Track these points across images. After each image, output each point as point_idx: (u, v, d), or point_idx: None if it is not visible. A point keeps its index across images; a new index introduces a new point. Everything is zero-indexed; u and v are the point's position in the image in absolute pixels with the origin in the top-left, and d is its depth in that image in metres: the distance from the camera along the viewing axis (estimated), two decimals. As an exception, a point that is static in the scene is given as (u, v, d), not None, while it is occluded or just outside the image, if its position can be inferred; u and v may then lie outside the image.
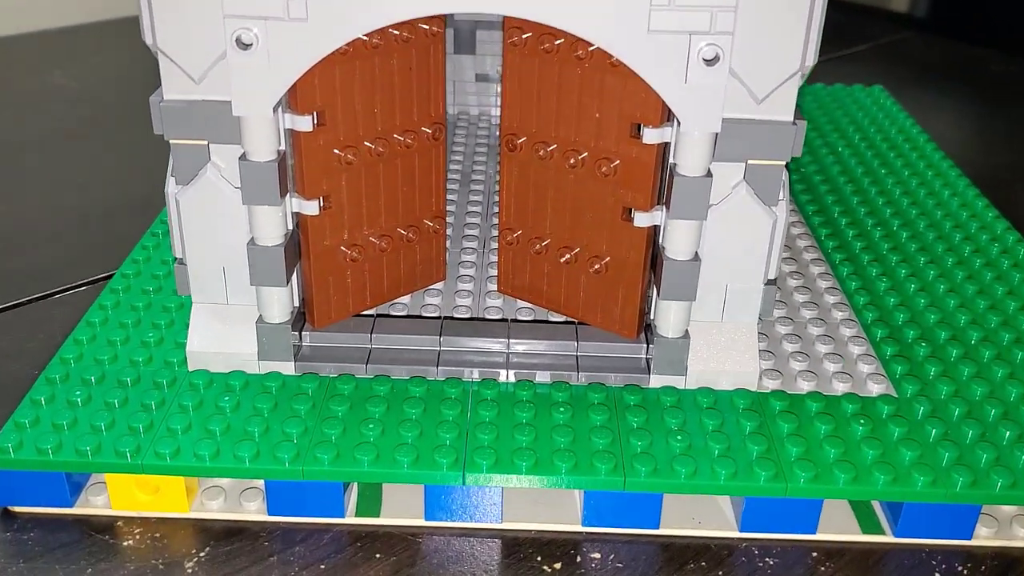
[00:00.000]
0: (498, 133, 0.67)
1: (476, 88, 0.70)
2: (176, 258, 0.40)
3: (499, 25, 0.68)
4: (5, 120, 0.78)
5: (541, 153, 0.41)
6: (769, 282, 0.40)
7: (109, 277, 0.53)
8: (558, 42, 0.38)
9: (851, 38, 1.04)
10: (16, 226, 0.60)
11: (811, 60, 0.35)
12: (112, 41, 0.96)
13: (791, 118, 0.36)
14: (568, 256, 0.42)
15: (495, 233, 0.52)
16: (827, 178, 0.61)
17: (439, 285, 0.46)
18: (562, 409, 0.38)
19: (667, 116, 0.37)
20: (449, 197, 0.57)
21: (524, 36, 0.39)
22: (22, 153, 0.71)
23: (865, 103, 0.75)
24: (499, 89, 0.70)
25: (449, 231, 0.52)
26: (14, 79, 0.87)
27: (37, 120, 0.77)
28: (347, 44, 0.37)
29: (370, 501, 0.38)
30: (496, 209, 0.56)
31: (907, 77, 0.94)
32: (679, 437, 0.37)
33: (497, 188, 0.59)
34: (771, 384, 0.41)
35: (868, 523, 0.38)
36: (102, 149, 0.72)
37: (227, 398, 0.39)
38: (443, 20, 0.40)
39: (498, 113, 0.70)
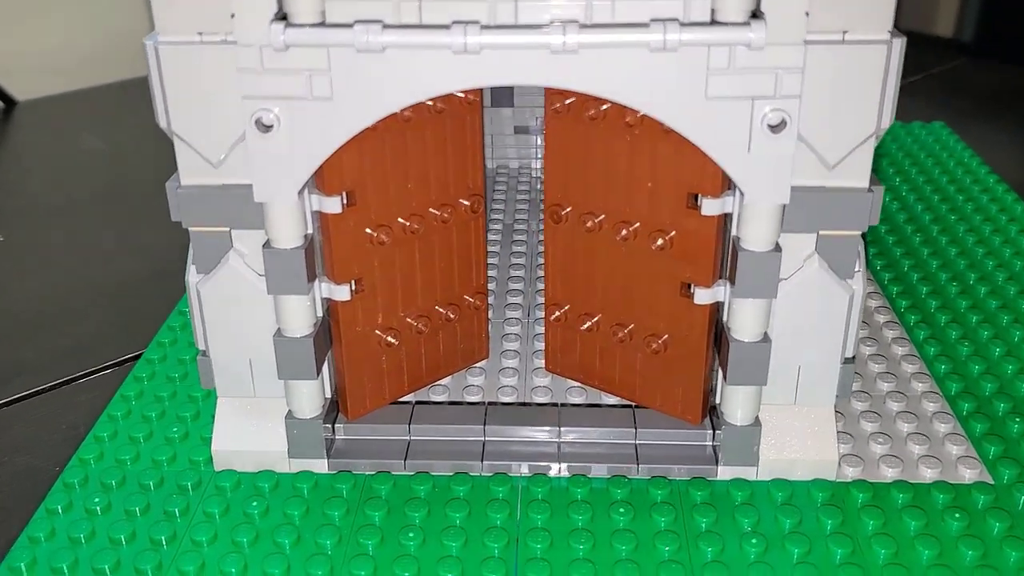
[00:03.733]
0: (538, 186, 0.65)
1: (515, 141, 0.67)
2: (199, 350, 0.37)
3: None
4: (36, 186, 0.76)
5: (588, 224, 0.37)
6: (847, 361, 0.36)
7: (136, 358, 0.51)
8: (604, 107, 0.35)
9: (903, 68, 0.99)
10: (42, 303, 0.58)
11: (887, 121, 0.32)
12: (143, 99, 0.94)
13: (867, 184, 0.33)
14: (622, 334, 0.38)
15: (540, 300, 0.49)
16: (893, 227, 0.57)
17: (482, 363, 0.43)
18: (622, 510, 0.35)
19: (728, 184, 0.33)
20: (491, 248, 0.54)
21: (567, 102, 0.36)
22: (49, 221, 0.69)
23: (927, 142, 0.71)
24: (539, 141, 0.67)
25: (491, 298, 0.49)
26: (45, 143, 0.85)
27: (66, 185, 0.75)
28: (376, 118, 0.34)
29: (413, 618, 0.35)
30: (539, 262, 0.52)
31: (965, 107, 0.90)
32: (753, 540, 0.33)
33: (539, 239, 0.56)
34: (851, 472, 0.37)
35: (969, 632, 0.34)
36: (131, 215, 0.69)
37: (255, 503, 0.36)
38: (479, 88, 0.37)
39: (538, 166, 0.67)
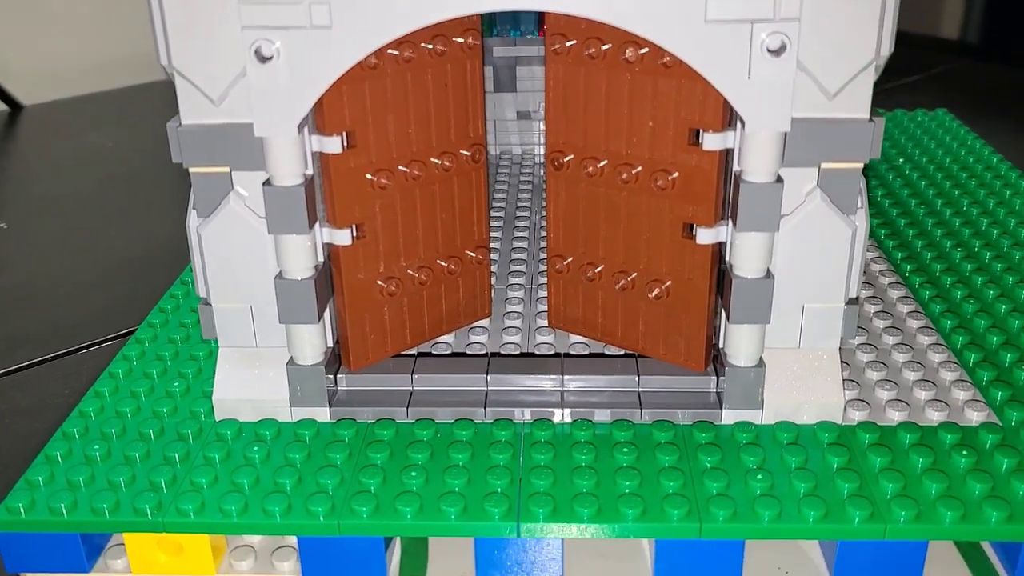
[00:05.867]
0: (541, 172, 0.65)
1: (518, 127, 0.67)
2: (201, 299, 0.37)
3: (539, 61, 0.65)
4: (40, 179, 0.77)
5: (590, 170, 0.37)
6: (851, 301, 0.36)
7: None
8: (605, 47, 0.35)
9: (903, 68, 1.00)
10: (45, 283, 0.58)
11: (887, 49, 0.32)
12: (148, 103, 0.95)
13: (867, 115, 0.33)
14: (624, 282, 0.38)
15: (542, 269, 0.49)
16: (897, 201, 0.57)
17: (484, 322, 0.43)
18: (625, 450, 0.34)
19: (728, 120, 0.33)
20: (494, 234, 0.54)
21: (567, 44, 0.36)
22: (56, 212, 0.69)
23: (929, 127, 0.71)
24: (542, 127, 0.67)
25: (495, 268, 0.49)
26: (50, 142, 0.86)
27: (71, 178, 0.76)
28: (377, 58, 0.34)
29: (415, 558, 0.34)
30: (542, 246, 0.52)
31: (966, 104, 0.90)
32: (759, 476, 0.33)
33: (542, 226, 0.56)
34: (857, 415, 0.36)
35: (980, 569, 0.33)
36: (135, 205, 0.70)
37: (256, 449, 0.35)
38: (479, 32, 0.37)
39: (542, 151, 0.67)
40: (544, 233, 0.54)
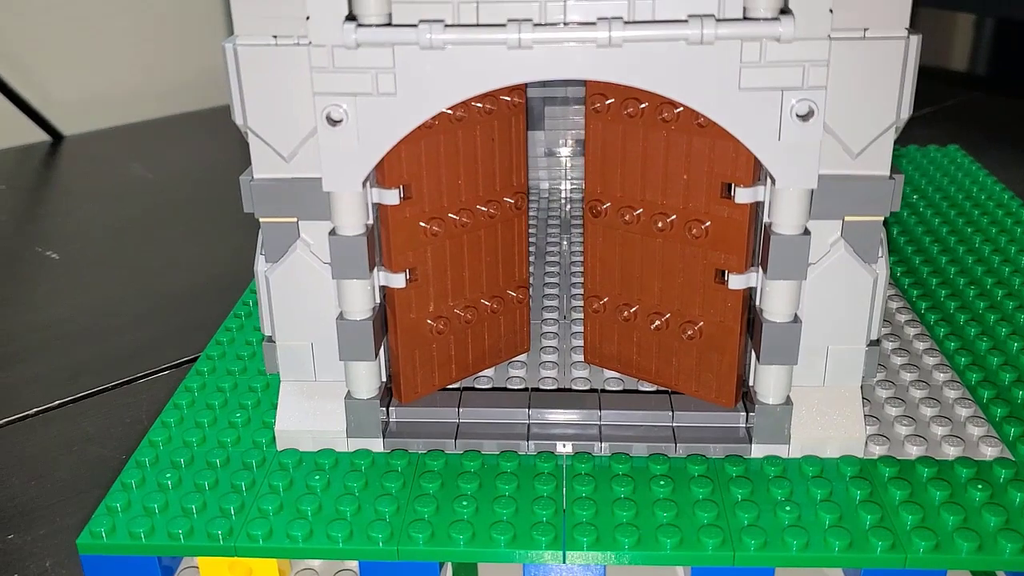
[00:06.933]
0: (568, 207, 0.68)
1: (547, 163, 0.70)
2: (264, 336, 0.40)
3: (568, 100, 0.68)
4: (86, 211, 0.79)
5: (627, 218, 0.40)
6: (872, 343, 0.38)
7: (192, 360, 0.54)
8: (642, 106, 0.38)
9: (916, 101, 1.02)
10: (99, 313, 0.61)
11: (906, 112, 0.35)
12: (189, 133, 0.98)
13: (888, 172, 0.35)
14: (659, 322, 0.41)
15: (575, 304, 0.52)
16: (912, 239, 0.60)
17: (523, 357, 0.46)
18: (662, 482, 0.37)
19: (759, 175, 0.36)
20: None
21: (607, 102, 0.39)
22: (103, 242, 0.72)
23: (942, 163, 0.73)
24: (569, 164, 0.70)
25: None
26: (94, 172, 0.89)
27: (117, 210, 0.79)
28: (432, 118, 0.37)
29: (466, 581, 0.37)
30: (573, 281, 0.55)
31: (979, 138, 0.92)
32: (787, 508, 0.35)
33: (572, 261, 0.59)
34: (878, 450, 0.39)
35: (994, 596, 0.36)
36: (181, 236, 0.73)
37: (317, 477, 0.38)
38: (524, 92, 0.40)
39: (569, 187, 0.70)
40: (574, 268, 0.57)
